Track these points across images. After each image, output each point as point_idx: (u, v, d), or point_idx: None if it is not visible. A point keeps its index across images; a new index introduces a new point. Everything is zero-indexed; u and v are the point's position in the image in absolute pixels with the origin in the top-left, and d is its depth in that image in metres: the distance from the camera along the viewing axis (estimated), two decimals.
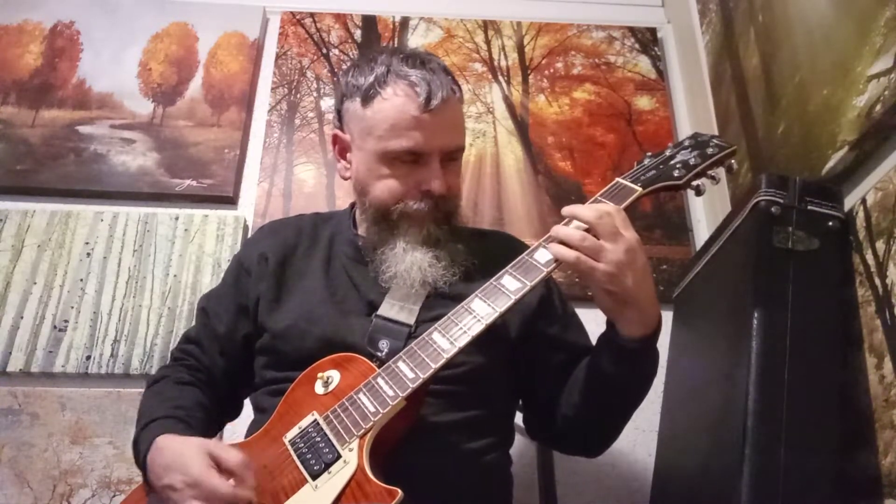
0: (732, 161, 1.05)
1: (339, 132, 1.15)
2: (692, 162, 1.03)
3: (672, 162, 1.04)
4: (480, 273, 1.04)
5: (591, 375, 1.01)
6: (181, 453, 0.88)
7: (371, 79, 1.07)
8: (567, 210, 0.95)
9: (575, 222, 0.93)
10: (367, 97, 1.07)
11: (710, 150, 1.04)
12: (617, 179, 1.03)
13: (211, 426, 1.07)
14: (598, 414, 1.03)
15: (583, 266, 0.89)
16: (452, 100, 1.08)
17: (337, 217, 1.24)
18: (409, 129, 1.04)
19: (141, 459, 0.94)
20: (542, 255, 0.94)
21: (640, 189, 1.00)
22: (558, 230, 0.92)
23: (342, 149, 1.15)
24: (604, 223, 0.90)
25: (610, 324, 0.97)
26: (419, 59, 1.09)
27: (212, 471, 0.84)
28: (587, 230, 0.91)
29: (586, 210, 0.92)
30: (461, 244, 1.09)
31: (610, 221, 0.90)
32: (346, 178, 1.16)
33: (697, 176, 1.02)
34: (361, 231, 1.16)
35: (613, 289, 0.90)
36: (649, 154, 1.08)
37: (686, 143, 1.08)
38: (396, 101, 1.04)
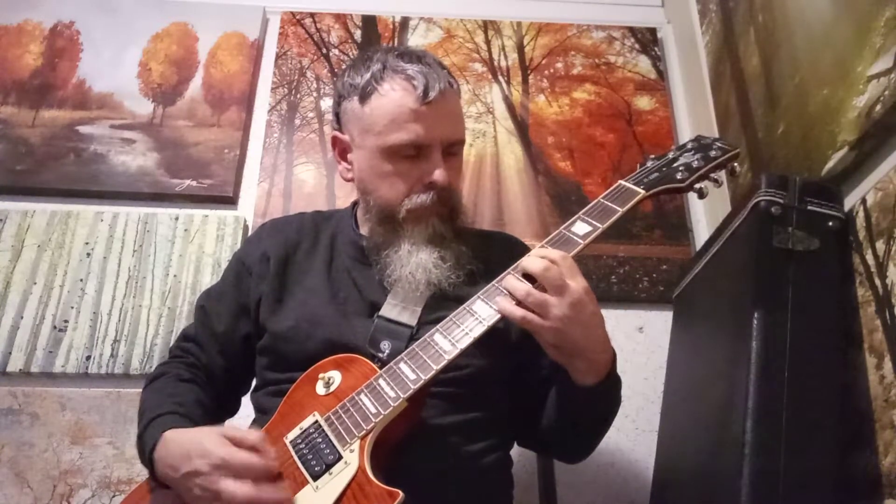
0: (735, 164, 1.05)
1: (338, 134, 1.15)
2: (695, 164, 1.03)
3: (675, 164, 1.04)
4: (483, 275, 1.04)
5: (557, 403, 1.03)
6: (198, 441, 0.88)
7: (367, 76, 1.07)
8: (517, 265, 0.93)
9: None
10: (365, 95, 1.07)
11: (713, 153, 1.05)
12: (620, 182, 1.03)
13: (211, 423, 1.07)
14: (569, 431, 1.05)
15: (530, 325, 0.89)
16: (450, 92, 1.08)
17: (338, 216, 1.23)
18: (408, 121, 1.04)
19: (147, 455, 0.94)
20: None
21: (642, 191, 1.00)
22: (506, 281, 0.91)
23: (342, 150, 1.15)
24: (550, 276, 0.88)
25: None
26: (415, 55, 1.09)
27: (235, 448, 0.85)
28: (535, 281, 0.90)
29: (533, 263, 0.90)
30: (465, 246, 1.08)
31: (556, 273, 0.88)
32: (348, 180, 1.15)
33: (700, 179, 1.03)
34: (364, 231, 1.15)
35: (560, 344, 0.90)
36: (652, 156, 1.08)
37: (689, 146, 1.08)
38: (394, 96, 1.05)
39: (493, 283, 0.95)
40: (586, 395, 0.95)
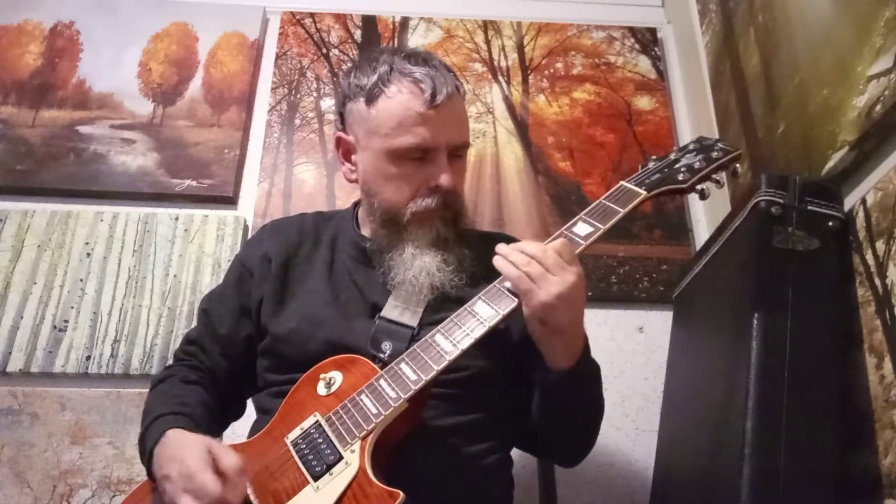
0: (737, 165, 1.06)
1: (342, 134, 1.14)
2: (697, 166, 1.03)
3: (677, 165, 1.04)
4: (485, 277, 1.04)
5: (540, 398, 1.03)
6: (183, 446, 0.88)
7: (374, 78, 1.07)
8: (515, 245, 0.95)
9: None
10: (372, 96, 1.07)
11: (714, 154, 1.05)
12: (621, 183, 1.03)
13: (215, 425, 1.07)
14: (556, 427, 1.05)
15: (523, 286, 0.89)
16: (456, 96, 1.09)
17: (339, 216, 1.23)
18: (415, 125, 1.04)
19: (147, 453, 0.94)
20: None
21: (644, 192, 1.00)
22: (508, 251, 0.93)
23: (346, 151, 1.14)
24: (549, 256, 0.90)
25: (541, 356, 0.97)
26: (421, 57, 1.09)
27: (207, 467, 0.84)
28: None
29: (531, 245, 0.92)
30: (467, 248, 1.08)
31: (554, 255, 0.90)
32: (351, 181, 1.15)
33: (702, 180, 1.03)
34: (366, 231, 1.15)
35: (547, 320, 0.90)
36: (654, 157, 1.08)
37: (690, 147, 1.08)
38: (401, 99, 1.05)
39: (495, 283, 0.95)
40: (564, 380, 0.95)
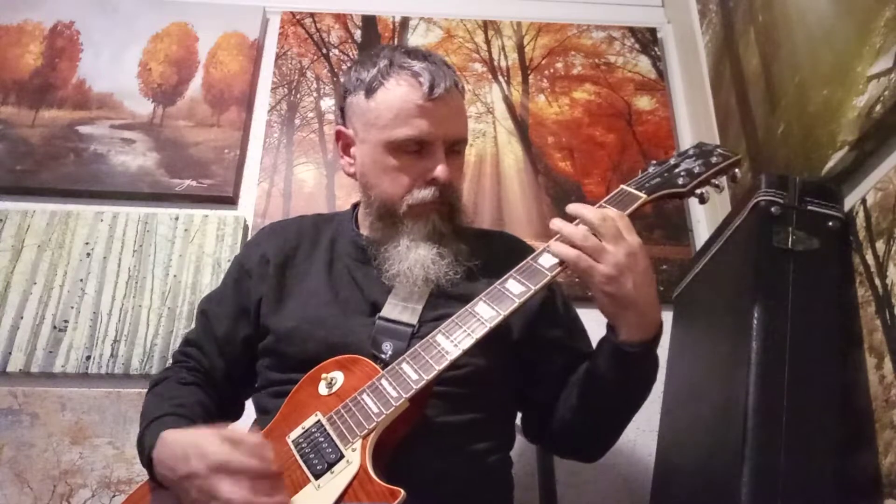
0: (737, 170, 1.06)
1: (342, 128, 1.15)
2: (696, 171, 1.04)
3: (676, 170, 1.05)
4: (483, 273, 1.04)
5: (589, 378, 1.01)
6: (196, 442, 0.87)
7: (374, 71, 1.08)
8: (572, 208, 0.95)
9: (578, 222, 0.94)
10: (371, 89, 1.08)
11: (714, 159, 1.05)
12: (621, 186, 1.04)
13: (212, 424, 1.07)
14: (594, 417, 1.03)
15: (583, 264, 0.89)
16: (455, 91, 1.09)
17: (338, 218, 1.24)
18: (413, 117, 1.04)
19: (146, 456, 0.94)
20: (547, 260, 0.94)
21: (644, 196, 1.01)
22: (562, 226, 0.93)
23: (346, 145, 1.15)
24: (607, 226, 0.90)
25: (610, 327, 0.97)
26: (421, 54, 1.11)
27: (234, 450, 0.84)
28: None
29: (590, 211, 0.93)
30: (464, 244, 1.09)
31: (612, 224, 0.91)
32: (349, 174, 1.16)
33: (701, 184, 1.04)
34: (364, 230, 1.16)
35: (612, 291, 0.90)
36: (654, 162, 1.09)
37: (690, 152, 1.09)
38: (400, 91, 1.05)
39: (496, 284, 0.95)
40: (630, 356, 0.93)
